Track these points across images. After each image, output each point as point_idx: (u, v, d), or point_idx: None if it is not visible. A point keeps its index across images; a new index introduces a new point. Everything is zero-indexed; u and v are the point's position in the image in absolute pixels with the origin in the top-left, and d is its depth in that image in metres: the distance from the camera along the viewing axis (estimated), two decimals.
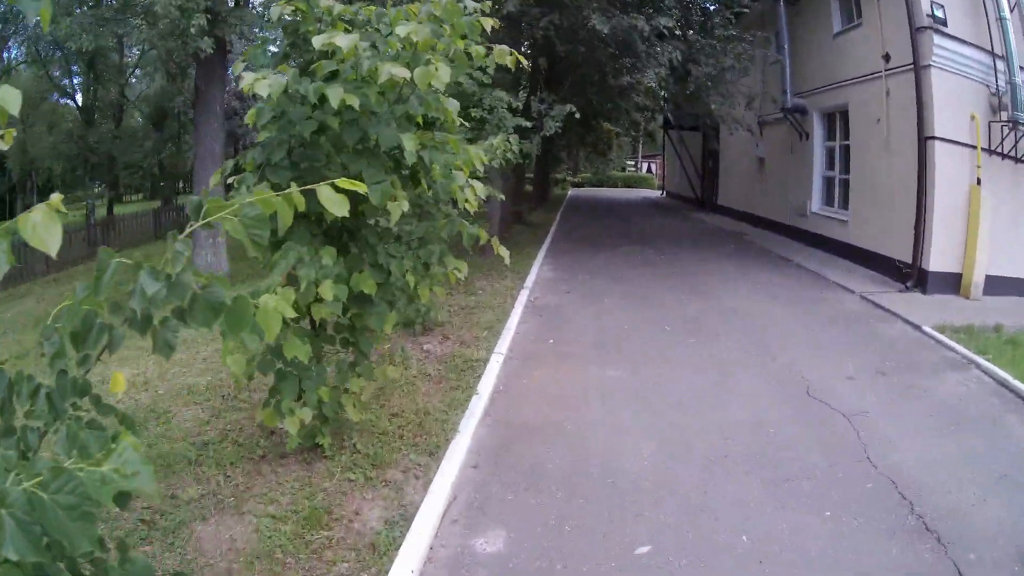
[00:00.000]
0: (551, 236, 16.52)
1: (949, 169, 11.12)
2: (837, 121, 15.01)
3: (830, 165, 15.56)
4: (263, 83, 3.83)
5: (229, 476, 4.53)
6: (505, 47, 4.59)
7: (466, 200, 4.78)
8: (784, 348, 8.00)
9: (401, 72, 3.79)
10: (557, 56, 13.70)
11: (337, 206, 1.84)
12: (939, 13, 10.83)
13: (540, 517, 4.36)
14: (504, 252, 4.95)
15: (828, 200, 15.64)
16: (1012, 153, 11.59)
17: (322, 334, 4.79)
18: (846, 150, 14.50)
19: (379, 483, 4.52)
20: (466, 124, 6.16)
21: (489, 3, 4.69)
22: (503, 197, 8.92)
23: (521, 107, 10.86)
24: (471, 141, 8.22)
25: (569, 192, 40.25)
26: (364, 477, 4.56)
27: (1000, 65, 11.20)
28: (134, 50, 29.43)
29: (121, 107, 32.92)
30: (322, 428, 4.69)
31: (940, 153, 11.02)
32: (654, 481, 4.87)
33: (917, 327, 9.15)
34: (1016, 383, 7.08)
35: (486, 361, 7.02)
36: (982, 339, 8.63)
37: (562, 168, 41.05)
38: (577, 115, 11.59)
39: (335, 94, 3.68)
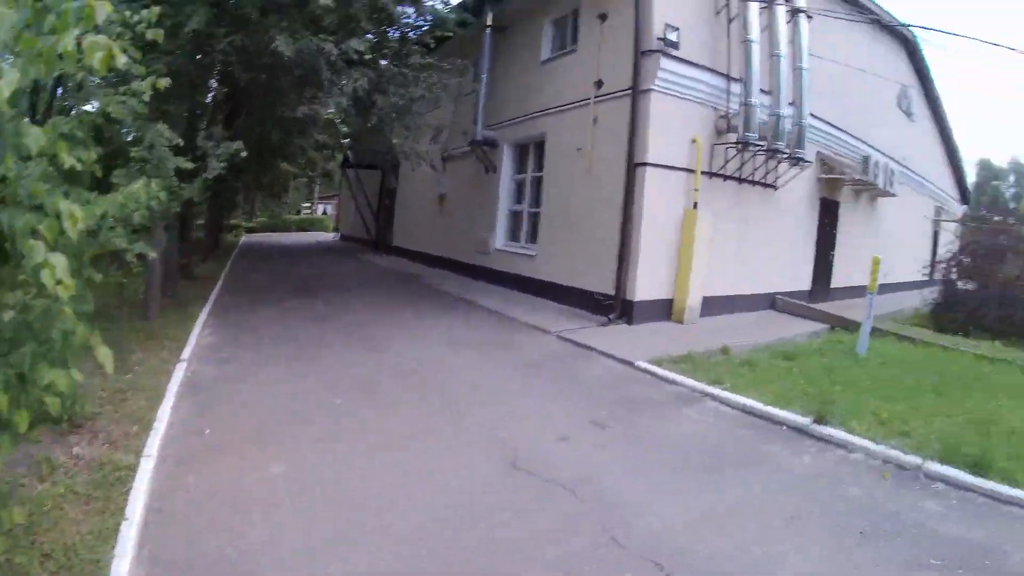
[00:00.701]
0: (217, 290, 14.21)
1: (660, 194, 10.84)
2: (530, 152, 14.63)
3: (518, 199, 15.15)
4: None
5: None
6: (102, 38, 2.96)
7: (57, 282, 2.88)
8: (481, 408, 6.68)
9: None
10: (238, 85, 11.97)
11: None
12: (672, 36, 10.59)
13: None
14: (105, 355, 3.11)
15: (514, 235, 15.14)
16: (737, 174, 11.82)
17: None
18: (538, 182, 14.08)
19: None
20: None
21: (157, 9, 3.83)
22: (155, 254, 6.99)
23: (183, 143, 8.88)
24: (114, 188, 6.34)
25: (242, 238, 36.92)
26: None
27: (736, 88, 11.36)
28: None
29: None
30: None
31: (651, 179, 10.69)
32: None
33: (629, 363, 8.30)
34: (767, 408, 6.55)
35: (136, 468, 5.06)
36: (710, 365, 8.10)
37: (237, 213, 39.41)
38: (244, 154, 9.77)
39: None
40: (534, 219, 14.06)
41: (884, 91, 17.81)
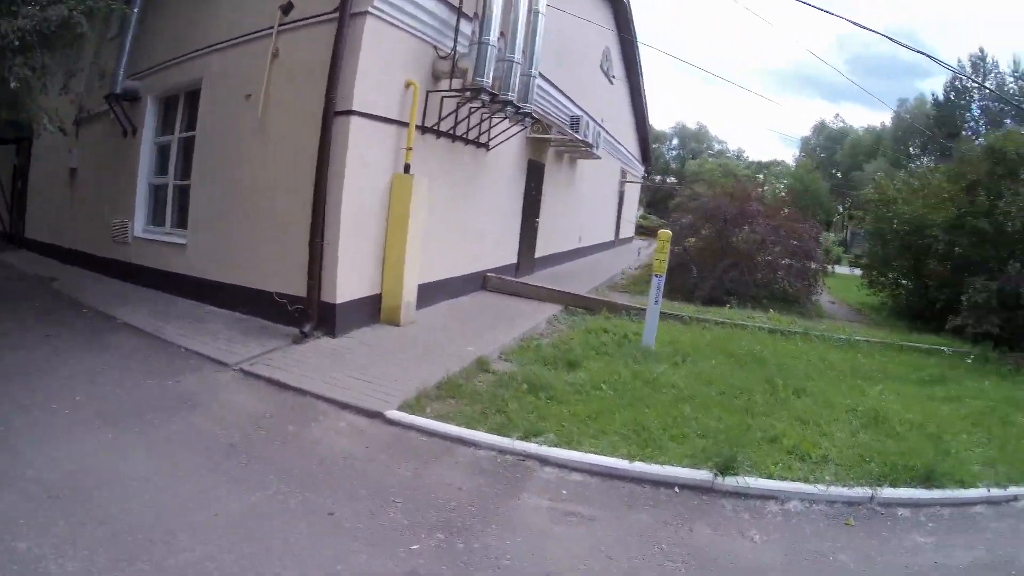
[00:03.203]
0: None
1: (368, 154, 8.31)
2: (180, 106, 10.84)
3: (163, 169, 11.21)
4: None
5: None
6: None
7: None
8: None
9: None
10: None
11: None
12: None
13: None
14: None
15: (158, 218, 11.23)
16: (451, 131, 9.81)
17: None
18: (188, 144, 10.43)
19: None
20: None
21: None
22: None
23: None
24: None
25: None
26: None
27: (466, 26, 9.21)
28: None
29: None
30: None
31: (357, 132, 8.03)
32: None
33: (378, 415, 5.53)
34: (638, 467, 4.76)
35: None
36: (491, 398, 5.94)
37: None
38: None
39: None
40: (183, 194, 10.43)
41: (591, 51, 17.50)
